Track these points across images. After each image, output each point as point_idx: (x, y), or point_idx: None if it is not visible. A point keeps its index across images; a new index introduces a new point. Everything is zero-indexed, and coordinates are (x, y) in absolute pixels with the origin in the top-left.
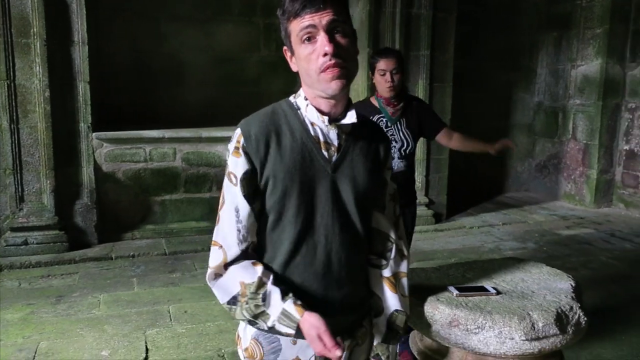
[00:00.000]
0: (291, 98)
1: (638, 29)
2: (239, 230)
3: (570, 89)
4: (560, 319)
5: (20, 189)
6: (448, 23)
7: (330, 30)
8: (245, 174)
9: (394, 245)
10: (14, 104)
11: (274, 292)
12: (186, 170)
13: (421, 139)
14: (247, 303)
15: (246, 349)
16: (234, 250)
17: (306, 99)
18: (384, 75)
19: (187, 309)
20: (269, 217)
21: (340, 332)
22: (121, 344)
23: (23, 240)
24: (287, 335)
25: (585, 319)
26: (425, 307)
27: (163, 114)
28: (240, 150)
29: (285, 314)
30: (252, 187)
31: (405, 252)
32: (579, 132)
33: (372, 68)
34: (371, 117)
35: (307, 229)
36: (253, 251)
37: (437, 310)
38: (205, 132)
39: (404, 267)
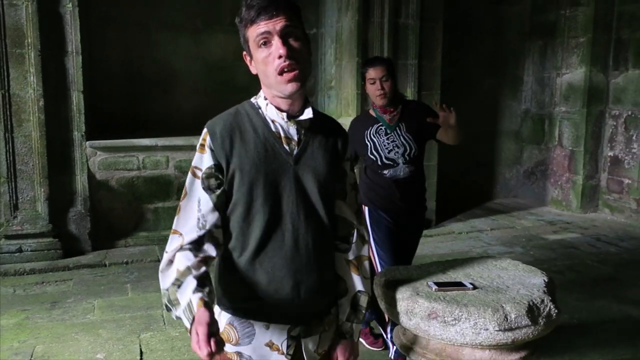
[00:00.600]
0: (252, 99)
1: (620, 38)
2: (198, 219)
3: (556, 96)
4: (532, 311)
5: (14, 197)
6: (435, 32)
7: (283, 35)
8: (210, 168)
9: (355, 231)
10: (8, 113)
11: (190, 283)
12: (179, 178)
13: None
14: (167, 293)
15: (222, 333)
16: (192, 235)
17: (266, 99)
18: (374, 83)
19: None
20: (238, 209)
21: (313, 316)
22: (116, 347)
23: (17, 248)
24: (186, 328)
25: (557, 311)
26: (406, 302)
27: (155, 121)
28: (206, 147)
29: (189, 305)
30: (215, 180)
31: (366, 237)
32: (564, 139)
33: (363, 78)
34: (370, 127)
35: (274, 217)
36: (207, 241)
37: (416, 303)
38: (197, 140)
39: (365, 251)
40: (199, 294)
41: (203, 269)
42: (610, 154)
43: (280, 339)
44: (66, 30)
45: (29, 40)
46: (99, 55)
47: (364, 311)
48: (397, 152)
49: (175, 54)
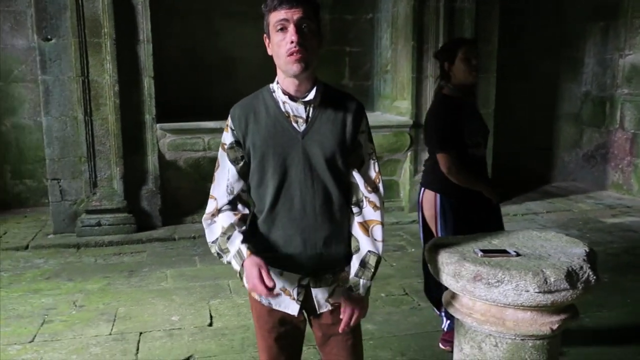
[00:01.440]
0: (271, 84)
1: None
2: (227, 186)
3: (618, 78)
4: (571, 276)
5: (93, 175)
6: (491, 15)
7: (298, 25)
8: (231, 144)
9: (365, 197)
10: (88, 98)
11: (238, 236)
12: None
13: None
14: (217, 243)
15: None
16: (224, 199)
17: (278, 83)
18: (467, 60)
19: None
20: (255, 177)
21: (322, 269)
22: (188, 312)
23: (97, 222)
24: (235, 270)
25: (595, 277)
26: (454, 265)
27: (217, 106)
28: (228, 127)
29: (239, 252)
30: (236, 154)
31: (378, 204)
32: (626, 122)
33: (451, 57)
34: (462, 111)
35: (283, 184)
36: (239, 202)
37: (463, 267)
38: None
39: (376, 216)
40: (246, 244)
41: (243, 227)
42: None
43: (291, 286)
44: (138, 20)
45: (105, 30)
46: (166, 44)
47: (372, 269)
48: (480, 133)
49: (236, 41)
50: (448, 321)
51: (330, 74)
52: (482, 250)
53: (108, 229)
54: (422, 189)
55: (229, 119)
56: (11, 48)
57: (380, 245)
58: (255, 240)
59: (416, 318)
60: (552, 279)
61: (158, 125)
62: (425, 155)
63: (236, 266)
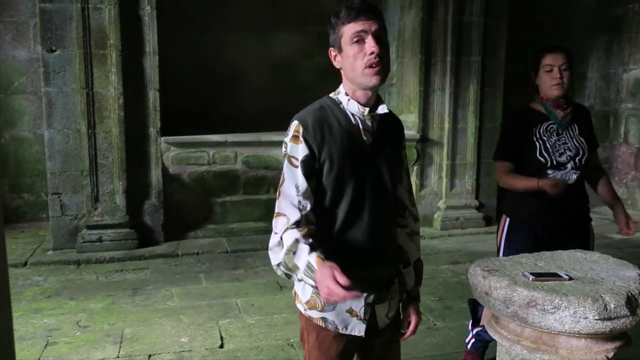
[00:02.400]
0: (332, 95)
1: None
2: (299, 202)
3: (622, 93)
4: (630, 302)
5: (95, 190)
6: (499, 29)
7: (377, 36)
8: (306, 157)
9: (409, 210)
10: (91, 110)
11: (304, 249)
12: (246, 173)
13: None
14: (284, 264)
15: (307, 302)
16: (296, 216)
17: (347, 95)
18: (550, 71)
19: (254, 302)
20: (328, 192)
21: (383, 284)
22: (198, 332)
23: (98, 237)
24: (311, 286)
25: None
26: (504, 290)
27: (223, 119)
28: (301, 138)
29: (309, 266)
30: (310, 168)
31: (418, 217)
32: (630, 136)
33: (535, 66)
34: (540, 125)
35: (357, 200)
36: (308, 222)
37: (515, 292)
38: (265, 136)
39: (417, 227)
40: (314, 254)
41: (310, 240)
42: None
43: (358, 305)
44: (144, 32)
45: (111, 42)
46: (171, 56)
47: (421, 276)
48: (569, 155)
49: (242, 54)
50: (473, 340)
51: (334, 87)
52: (532, 274)
53: (109, 244)
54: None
55: (299, 129)
56: (12, 59)
57: (420, 253)
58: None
59: (434, 339)
60: (612, 305)
61: (162, 138)
62: (431, 170)
63: (310, 282)
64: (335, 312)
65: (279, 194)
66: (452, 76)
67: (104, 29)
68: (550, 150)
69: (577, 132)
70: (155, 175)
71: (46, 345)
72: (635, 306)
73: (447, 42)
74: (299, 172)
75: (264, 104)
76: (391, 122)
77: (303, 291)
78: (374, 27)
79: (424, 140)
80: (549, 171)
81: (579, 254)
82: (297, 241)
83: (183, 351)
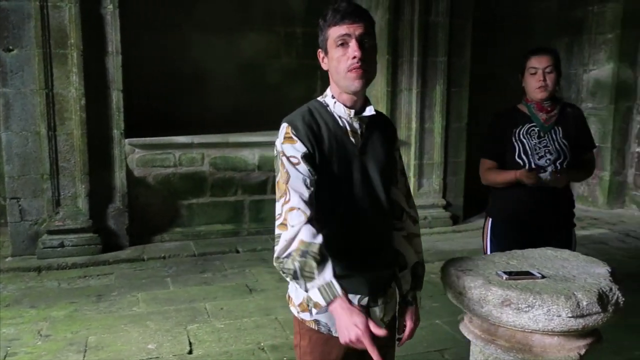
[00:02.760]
0: (319, 98)
1: None
2: (310, 196)
3: (583, 92)
4: (602, 299)
5: (56, 194)
6: (464, 30)
7: (360, 40)
8: (305, 154)
9: (405, 212)
10: (52, 112)
11: (329, 267)
12: (213, 175)
13: None
14: (300, 257)
15: (300, 304)
16: (310, 211)
17: (333, 97)
18: (534, 74)
19: (223, 306)
20: (319, 193)
21: (379, 287)
22: (165, 338)
23: (59, 243)
24: (314, 303)
25: (623, 299)
26: (479, 290)
27: (189, 120)
28: (294, 137)
29: (330, 286)
30: (313, 162)
31: (417, 218)
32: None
33: (521, 68)
34: (521, 126)
35: (346, 202)
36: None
37: (489, 291)
38: (232, 137)
39: (416, 229)
40: (335, 279)
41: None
42: (638, 150)
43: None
44: (107, 31)
45: (72, 41)
46: (135, 55)
47: (422, 280)
48: (549, 159)
49: (208, 54)
50: None
51: (302, 88)
52: (506, 273)
53: (72, 250)
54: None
55: (290, 130)
56: None
57: (422, 256)
58: None
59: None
60: (585, 303)
61: (127, 140)
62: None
63: (320, 299)
64: (328, 315)
65: (287, 191)
66: (419, 76)
67: (64, 28)
68: (530, 152)
69: (560, 135)
70: (120, 178)
71: (5, 357)
72: (606, 303)
73: (413, 42)
74: (303, 167)
75: (231, 105)
76: (382, 124)
77: (296, 294)
78: (358, 31)
79: None
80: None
81: (549, 252)
82: (320, 249)
83: (150, 358)
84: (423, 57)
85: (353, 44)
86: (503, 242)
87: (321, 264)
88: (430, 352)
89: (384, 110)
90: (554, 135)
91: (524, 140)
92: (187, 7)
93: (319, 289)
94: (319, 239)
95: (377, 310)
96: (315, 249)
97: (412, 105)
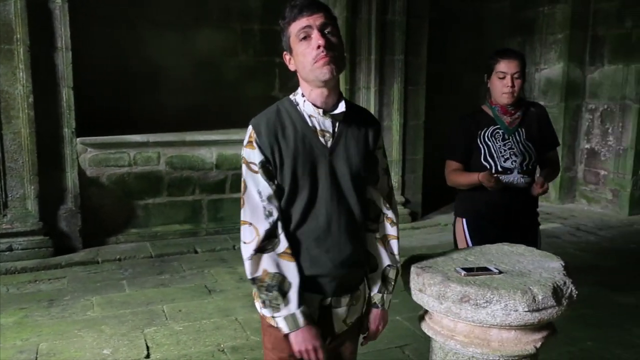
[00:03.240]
0: (291, 96)
1: (596, 35)
2: (264, 208)
3: (535, 91)
4: (556, 292)
5: (4, 195)
6: (421, 28)
7: (322, 29)
8: (262, 162)
9: (384, 214)
10: None
11: (293, 299)
12: (170, 174)
13: None
14: (266, 291)
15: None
16: (263, 225)
17: (303, 96)
18: (503, 78)
19: (181, 308)
20: (283, 196)
21: (343, 289)
22: (121, 343)
23: (7, 247)
24: (279, 329)
25: (577, 292)
26: (438, 286)
27: (144, 118)
28: (254, 144)
29: (293, 317)
30: (269, 171)
31: (395, 220)
32: None
33: (488, 70)
34: (485, 129)
35: (311, 203)
36: (281, 228)
37: (448, 288)
38: (189, 136)
39: (393, 231)
40: (301, 309)
41: (296, 275)
42: (587, 146)
43: (312, 307)
44: (55, 26)
45: (18, 36)
46: (87, 53)
47: (393, 282)
48: (515, 160)
49: (163, 50)
50: None
51: (260, 85)
52: (464, 269)
53: (21, 253)
54: (454, 217)
55: (253, 134)
56: None
57: (397, 258)
58: None
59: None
60: (540, 297)
61: (78, 139)
62: None
63: (285, 328)
64: None
65: (243, 202)
66: (377, 74)
67: (9, 22)
68: (495, 155)
69: (524, 137)
70: (71, 179)
71: None
72: (560, 296)
73: (371, 40)
74: (259, 177)
75: (187, 103)
76: (363, 122)
77: None
78: (318, 21)
79: None
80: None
81: (506, 247)
82: (283, 279)
83: None
84: (381, 55)
85: (315, 34)
86: (484, 237)
87: (286, 295)
88: (391, 348)
89: None
90: (517, 137)
91: (489, 143)
92: (140, 3)
93: (284, 318)
94: (284, 267)
95: (340, 312)
96: (277, 280)
97: (371, 103)
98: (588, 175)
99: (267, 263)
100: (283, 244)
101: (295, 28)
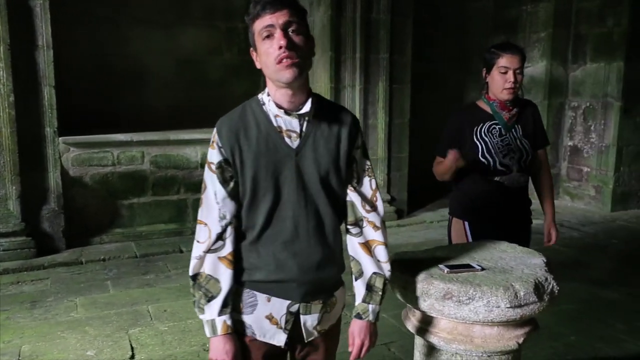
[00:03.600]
0: (259, 95)
1: (579, 33)
2: (219, 210)
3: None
4: (538, 289)
5: None
6: (405, 27)
7: (285, 28)
8: (219, 163)
9: (365, 217)
10: None
11: (216, 304)
12: (154, 173)
13: None
14: (198, 291)
15: None
16: (216, 226)
17: (269, 95)
18: (505, 73)
19: (167, 308)
20: (246, 198)
21: (314, 295)
22: (105, 344)
23: None
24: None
25: (558, 288)
26: (422, 284)
27: (127, 117)
28: (215, 144)
29: (212, 324)
30: (226, 173)
31: (378, 224)
32: None
33: (488, 64)
34: (482, 124)
35: (276, 205)
36: (233, 230)
37: (431, 285)
38: (173, 135)
39: (377, 236)
40: (223, 317)
41: (228, 283)
42: (570, 143)
43: (279, 313)
44: (36, 24)
45: None
46: (69, 51)
47: (380, 292)
48: (513, 157)
49: (146, 49)
50: None
51: (245, 84)
52: (447, 266)
53: (3, 255)
54: (450, 217)
55: (215, 135)
56: None
57: (385, 266)
58: (240, 263)
59: (345, 334)
60: (522, 293)
61: (61, 138)
62: None
63: (206, 331)
64: (254, 317)
65: (201, 201)
66: (362, 73)
67: None
68: (493, 151)
69: (520, 134)
70: (54, 178)
71: None
72: (542, 292)
73: (356, 39)
74: (215, 178)
75: (171, 102)
76: (335, 121)
77: None
78: (282, 20)
79: None
80: (496, 178)
81: (488, 243)
82: (216, 282)
83: None
84: (365, 54)
85: (278, 33)
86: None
87: (212, 299)
88: (377, 345)
89: None
90: (514, 134)
91: (486, 139)
92: (124, 1)
93: (206, 322)
94: (220, 271)
95: (310, 319)
96: (210, 285)
97: (356, 101)
98: (571, 172)
99: (207, 264)
100: (227, 249)
101: (259, 26)
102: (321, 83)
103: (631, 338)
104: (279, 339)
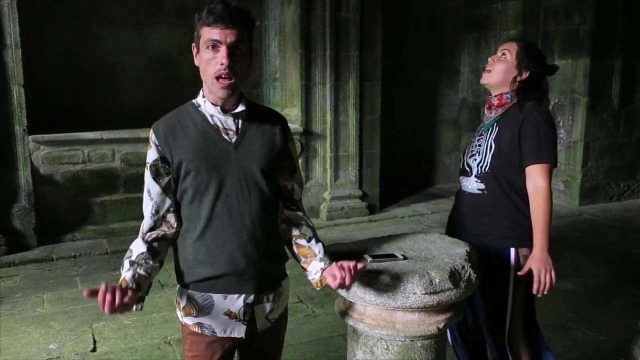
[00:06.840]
0: (193, 100)
1: (547, 31)
2: (152, 206)
3: None
4: (454, 276)
5: None
6: (375, 25)
7: (231, 48)
8: (155, 161)
9: (299, 200)
10: None
11: (124, 266)
12: (125, 171)
13: None
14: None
15: (183, 308)
16: (149, 221)
17: (204, 97)
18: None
19: None
20: (187, 194)
21: (264, 285)
22: (68, 338)
23: None
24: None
25: (475, 276)
26: None
27: (99, 116)
28: (152, 143)
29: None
30: (161, 171)
31: (311, 224)
32: None
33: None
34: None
35: (219, 198)
36: (163, 224)
37: None
38: (144, 133)
39: (304, 215)
40: (131, 273)
41: (145, 257)
42: None
43: (237, 307)
44: (4, 23)
45: None
46: (40, 50)
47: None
48: (475, 159)
49: (117, 48)
50: None
51: None
52: (371, 256)
53: None
54: (512, 248)
55: (152, 135)
56: None
57: (313, 230)
58: (189, 265)
59: (311, 325)
60: (437, 280)
61: (30, 137)
62: (316, 162)
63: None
64: (212, 316)
65: (143, 196)
66: (332, 70)
67: None
68: (466, 150)
69: (494, 136)
70: (24, 177)
71: None
72: (458, 279)
73: (325, 37)
74: (149, 176)
75: (143, 100)
76: (267, 120)
77: (182, 297)
78: (230, 38)
79: (308, 133)
80: (460, 178)
81: (420, 235)
82: (129, 252)
83: (50, 358)
84: (336, 51)
85: (223, 50)
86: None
87: (123, 266)
88: (334, 337)
89: (298, 104)
90: (489, 135)
91: (472, 139)
92: (93, 0)
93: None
94: (142, 248)
95: (263, 309)
96: (132, 255)
97: (327, 98)
98: None
99: (135, 247)
100: (150, 235)
101: (206, 35)
102: (292, 81)
103: (579, 326)
104: (240, 331)
